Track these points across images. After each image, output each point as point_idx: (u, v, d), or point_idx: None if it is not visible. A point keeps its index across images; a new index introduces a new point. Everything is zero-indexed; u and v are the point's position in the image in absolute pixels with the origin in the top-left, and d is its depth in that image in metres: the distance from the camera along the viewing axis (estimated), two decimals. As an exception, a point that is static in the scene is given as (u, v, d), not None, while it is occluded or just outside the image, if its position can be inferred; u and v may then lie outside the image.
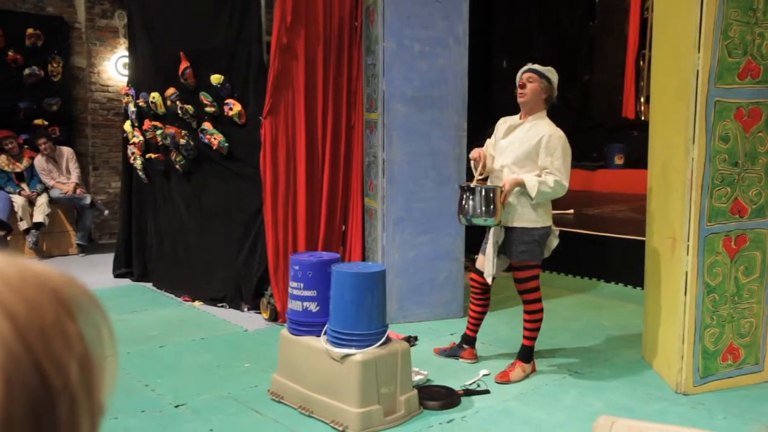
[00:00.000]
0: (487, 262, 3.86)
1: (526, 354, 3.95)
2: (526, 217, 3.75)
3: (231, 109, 5.20)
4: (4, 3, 7.81)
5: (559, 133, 3.73)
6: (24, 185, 7.51)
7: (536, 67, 3.82)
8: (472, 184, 3.68)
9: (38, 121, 7.87)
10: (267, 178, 4.99)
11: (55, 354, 0.43)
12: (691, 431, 2.07)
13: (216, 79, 5.23)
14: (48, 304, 0.45)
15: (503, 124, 3.95)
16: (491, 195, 3.61)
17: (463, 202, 3.67)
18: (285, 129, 5.03)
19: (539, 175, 3.70)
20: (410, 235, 5.03)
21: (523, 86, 3.79)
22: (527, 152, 3.73)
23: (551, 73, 3.80)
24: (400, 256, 5.02)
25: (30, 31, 7.80)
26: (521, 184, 3.68)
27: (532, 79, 3.78)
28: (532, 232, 3.76)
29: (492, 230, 3.80)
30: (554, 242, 3.86)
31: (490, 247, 3.82)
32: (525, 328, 3.94)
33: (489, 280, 3.90)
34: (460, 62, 5.04)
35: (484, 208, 3.60)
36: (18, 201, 7.32)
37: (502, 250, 3.85)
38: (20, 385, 0.41)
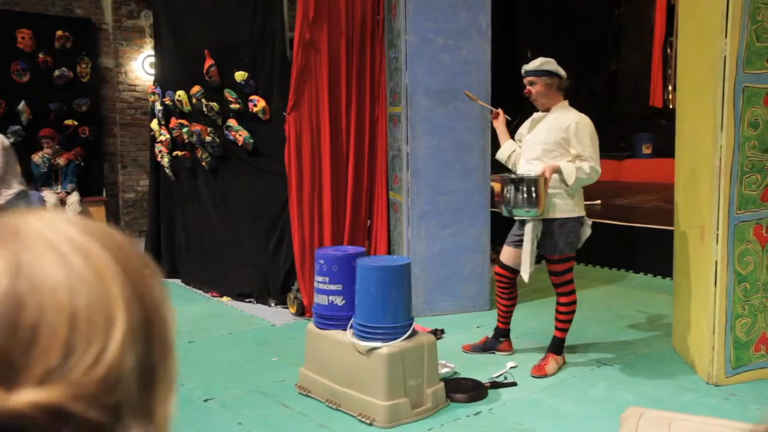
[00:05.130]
0: (524, 257, 3.74)
1: (559, 346, 3.91)
2: (565, 208, 3.71)
3: (255, 105, 5.24)
4: (35, 6, 7.96)
5: (585, 120, 3.73)
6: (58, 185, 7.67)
7: (530, 67, 3.80)
8: (513, 176, 3.62)
9: (68, 122, 8.01)
10: (292, 173, 5.02)
11: (155, 303, 0.49)
12: (722, 422, 2.04)
13: (240, 76, 5.28)
14: (138, 261, 0.50)
15: (530, 120, 3.93)
16: (534, 185, 3.53)
17: (505, 192, 3.59)
18: (309, 124, 5.05)
19: (572, 162, 3.67)
20: (435, 228, 5.02)
21: (529, 92, 3.81)
22: (556, 140, 3.70)
23: (548, 64, 3.77)
24: (426, 249, 5.01)
25: (59, 33, 7.95)
26: (558, 171, 3.64)
27: (533, 81, 3.79)
28: (572, 222, 3.73)
29: (530, 224, 3.71)
30: (587, 232, 3.82)
31: (527, 243, 3.70)
32: (558, 320, 3.89)
33: (526, 278, 3.78)
34: (484, 54, 5.01)
35: (526, 197, 3.53)
36: (50, 200, 7.47)
37: (538, 244, 3.77)
38: (140, 337, 0.46)
